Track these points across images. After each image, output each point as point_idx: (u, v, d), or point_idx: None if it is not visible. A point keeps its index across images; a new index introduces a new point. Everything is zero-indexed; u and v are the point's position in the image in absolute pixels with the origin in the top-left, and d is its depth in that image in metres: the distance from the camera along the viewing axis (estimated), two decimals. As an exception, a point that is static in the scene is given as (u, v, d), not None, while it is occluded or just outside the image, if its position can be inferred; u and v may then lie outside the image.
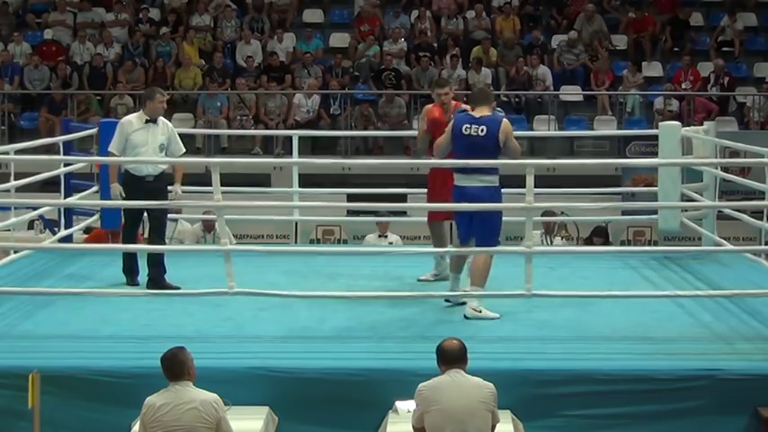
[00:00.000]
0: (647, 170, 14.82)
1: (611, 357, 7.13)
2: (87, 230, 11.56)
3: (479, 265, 7.99)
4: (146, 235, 9.27)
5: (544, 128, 18.06)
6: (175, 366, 5.95)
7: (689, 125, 12.59)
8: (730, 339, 7.50)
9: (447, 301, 8.35)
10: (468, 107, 8.30)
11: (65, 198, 10.44)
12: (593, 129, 18.12)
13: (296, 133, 11.70)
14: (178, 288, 8.66)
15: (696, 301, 8.34)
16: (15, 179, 9.42)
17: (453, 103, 8.90)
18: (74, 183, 10.80)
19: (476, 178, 7.98)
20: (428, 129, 8.89)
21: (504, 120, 8.13)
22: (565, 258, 9.98)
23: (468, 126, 8.00)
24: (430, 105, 9.10)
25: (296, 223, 14.03)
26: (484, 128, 7.98)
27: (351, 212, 12.92)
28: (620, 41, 20.22)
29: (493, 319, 7.92)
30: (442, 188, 8.55)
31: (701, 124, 11.88)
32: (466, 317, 7.94)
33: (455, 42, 19.64)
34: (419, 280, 9.18)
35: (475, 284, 7.99)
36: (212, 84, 18.77)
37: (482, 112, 8.07)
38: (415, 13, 20.39)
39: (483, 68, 18.80)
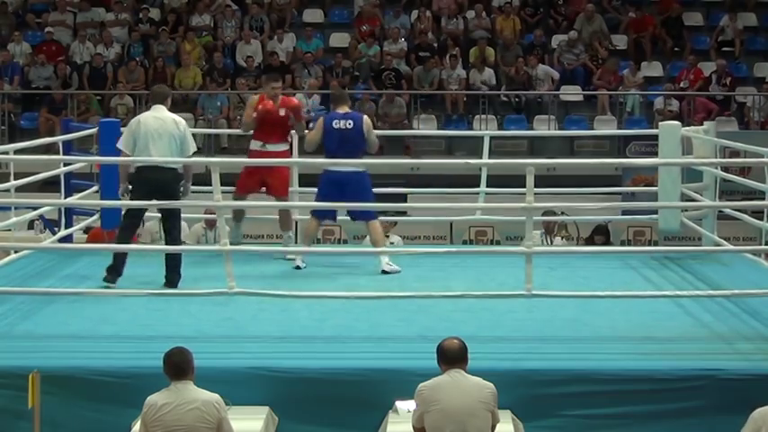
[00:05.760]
0: (647, 170, 14.81)
1: (611, 357, 7.12)
2: (87, 230, 11.56)
3: (380, 239, 9.65)
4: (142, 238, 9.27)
5: (544, 128, 18.06)
6: (181, 364, 5.93)
7: (689, 125, 12.58)
8: (730, 339, 7.49)
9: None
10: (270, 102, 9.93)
11: (65, 198, 10.44)
12: (593, 129, 18.12)
13: (296, 133, 11.67)
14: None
15: (696, 301, 8.33)
16: (15, 179, 9.42)
17: (281, 96, 10.16)
18: (74, 183, 10.79)
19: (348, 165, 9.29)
20: (258, 117, 9.96)
21: (365, 116, 9.77)
22: (565, 258, 9.98)
23: (338, 121, 9.53)
24: (256, 96, 10.31)
25: (296, 223, 14.01)
26: (351, 121, 9.52)
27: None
28: (620, 41, 20.20)
29: (398, 272, 9.35)
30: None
31: (701, 124, 11.87)
32: (384, 272, 9.33)
33: (455, 42, 19.62)
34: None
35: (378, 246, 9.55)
36: (212, 84, 18.77)
37: (344, 109, 9.64)
38: (415, 13, 20.38)
39: (483, 69, 18.82)
